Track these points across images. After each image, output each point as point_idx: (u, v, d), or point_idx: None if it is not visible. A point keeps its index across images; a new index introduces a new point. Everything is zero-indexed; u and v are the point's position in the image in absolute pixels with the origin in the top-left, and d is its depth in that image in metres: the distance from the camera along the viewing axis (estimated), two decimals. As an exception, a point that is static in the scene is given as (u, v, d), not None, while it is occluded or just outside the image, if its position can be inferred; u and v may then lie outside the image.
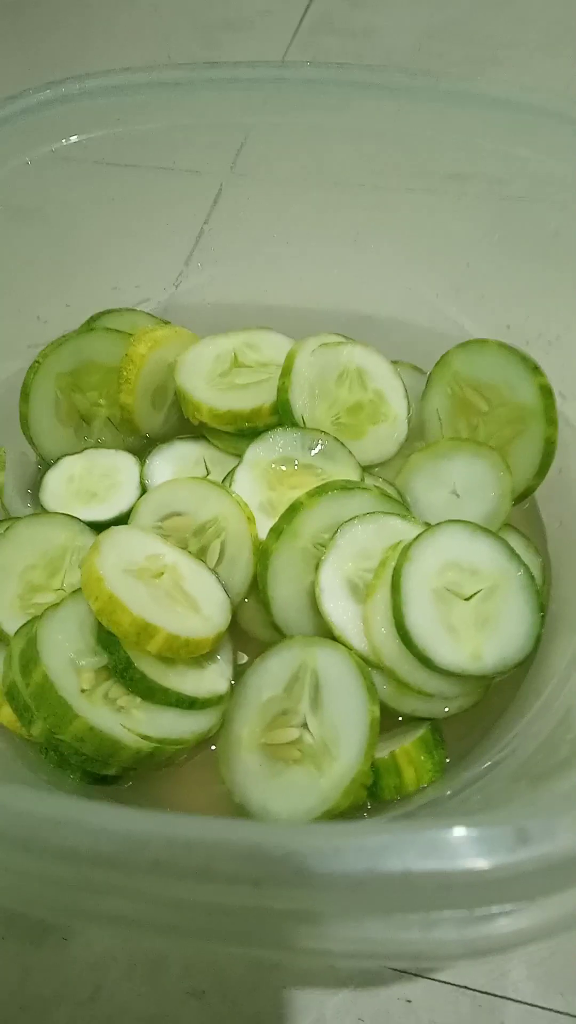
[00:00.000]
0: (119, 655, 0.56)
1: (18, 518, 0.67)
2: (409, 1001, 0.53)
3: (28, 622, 0.59)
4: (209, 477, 0.72)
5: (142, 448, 0.76)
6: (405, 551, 0.60)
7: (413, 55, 1.27)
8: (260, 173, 0.82)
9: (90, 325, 0.75)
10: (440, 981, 0.54)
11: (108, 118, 0.66)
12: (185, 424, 0.75)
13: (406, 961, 0.44)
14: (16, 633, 0.58)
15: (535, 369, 0.66)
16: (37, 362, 0.70)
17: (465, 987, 0.54)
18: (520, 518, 0.70)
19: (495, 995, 0.53)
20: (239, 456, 0.71)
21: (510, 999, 0.53)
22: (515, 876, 0.31)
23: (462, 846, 0.31)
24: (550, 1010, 0.53)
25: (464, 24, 1.33)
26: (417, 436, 0.75)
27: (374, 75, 0.65)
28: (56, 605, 0.59)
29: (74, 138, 0.65)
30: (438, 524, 0.62)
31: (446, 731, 0.60)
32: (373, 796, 0.56)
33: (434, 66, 1.25)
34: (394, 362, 0.76)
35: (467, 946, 0.32)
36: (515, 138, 0.68)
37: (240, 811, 0.55)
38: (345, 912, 0.31)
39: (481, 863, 0.30)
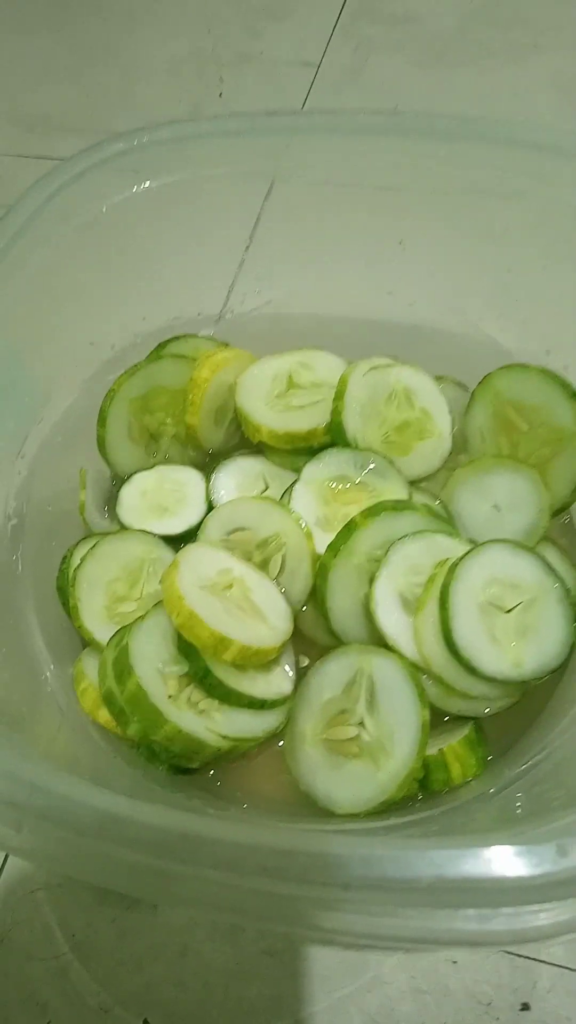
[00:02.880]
0: (198, 664, 0.63)
1: (101, 534, 0.74)
2: (455, 962, 0.62)
3: (117, 632, 0.66)
4: (268, 492, 0.78)
5: (206, 461, 0.82)
6: (452, 569, 0.66)
7: (455, 42, 1.28)
8: (299, 195, 0.86)
9: (158, 353, 0.81)
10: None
11: (175, 164, 0.71)
12: (245, 439, 0.81)
13: (464, 947, 0.52)
14: (108, 643, 0.66)
15: (574, 395, 0.71)
16: (112, 390, 0.77)
17: (504, 951, 0.62)
18: (558, 531, 0.76)
19: (530, 958, 0.62)
20: (296, 471, 0.77)
21: (544, 962, 0.62)
22: (556, 883, 0.38)
23: (512, 859, 0.38)
24: (578, 971, 0.62)
25: (506, 6, 1.33)
26: (460, 449, 0.81)
27: (413, 121, 0.70)
28: (142, 618, 0.66)
29: (147, 183, 0.70)
30: (482, 544, 0.68)
31: (488, 728, 0.67)
32: (424, 788, 0.63)
33: (475, 55, 1.27)
34: (438, 378, 0.81)
35: (515, 935, 0.39)
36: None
37: (306, 799, 0.63)
38: (416, 910, 0.39)
39: (528, 873, 0.38)
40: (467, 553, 0.67)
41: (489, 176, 0.75)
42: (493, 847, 0.38)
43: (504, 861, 0.38)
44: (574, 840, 0.38)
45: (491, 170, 0.75)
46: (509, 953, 0.62)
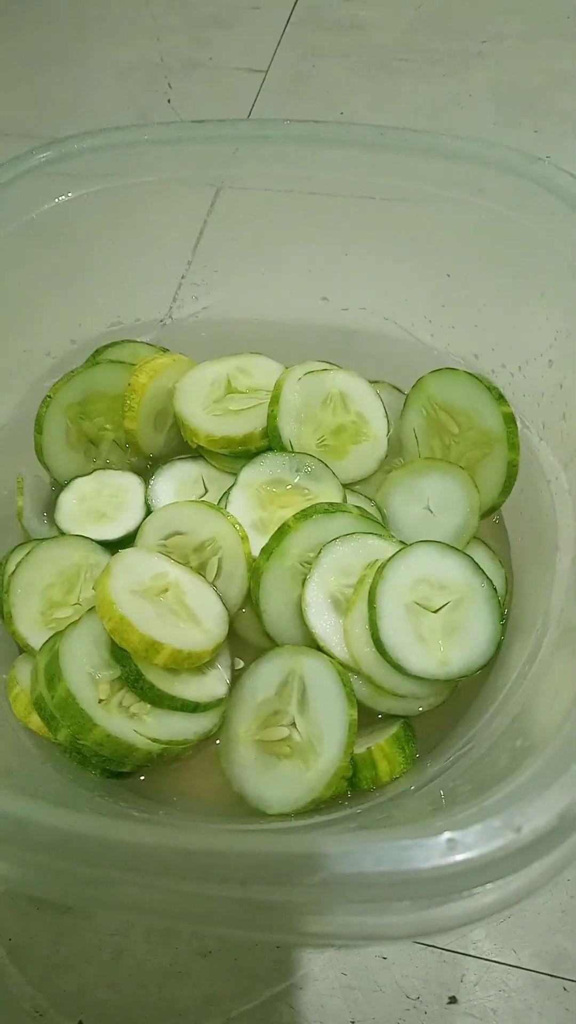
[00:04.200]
0: (130, 668, 0.64)
1: (37, 540, 0.74)
2: (384, 958, 0.63)
3: (50, 638, 0.67)
4: (207, 496, 0.79)
5: (147, 466, 0.83)
6: (380, 571, 0.67)
7: (399, 50, 1.30)
8: (244, 206, 0.87)
9: (95, 359, 0.81)
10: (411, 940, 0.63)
11: (104, 172, 0.72)
12: (185, 443, 0.82)
13: (364, 941, 0.53)
14: (40, 649, 0.66)
15: (500, 398, 0.73)
16: (49, 396, 0.77)
17: (432, 946, 0.63)
18: (488, 531, 0.77)
19: (457, 952, 0.63)
20: (234, 474, 0.78)
21: (470, 955, 0.63)
22: (448, 876, 0.39)
23: (402, 853, 0.39)
24: (503, 964, 0.63)
25: (450, 15, 1.35)
26: (396, 451, 0.82)
27: (349, 133, 0.71)
28: (74, 623, 0.66)
29: (78, 191, 0.71)
30: (410, 545, 0.69)
31: (418, 726, 0.68)
32: (352, 786, 0.64)
33: (419, 63, 1.28)
34: (374, 382, 0.82)
35: (414, 927, 0.41)
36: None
37: (239, 799, 0.64)
38: (313, 904, 0.40)
39: (418, 867, 0.39)
40: (395, 554, 0.68)
41: (422, 186, 0.76)
42: (387, 843, 0.39)
43: (396, 856, 0.39)
44: (465, 833, 0.39)
45: (424, 181, 0.76)
46: (437, 948, 0.63)
